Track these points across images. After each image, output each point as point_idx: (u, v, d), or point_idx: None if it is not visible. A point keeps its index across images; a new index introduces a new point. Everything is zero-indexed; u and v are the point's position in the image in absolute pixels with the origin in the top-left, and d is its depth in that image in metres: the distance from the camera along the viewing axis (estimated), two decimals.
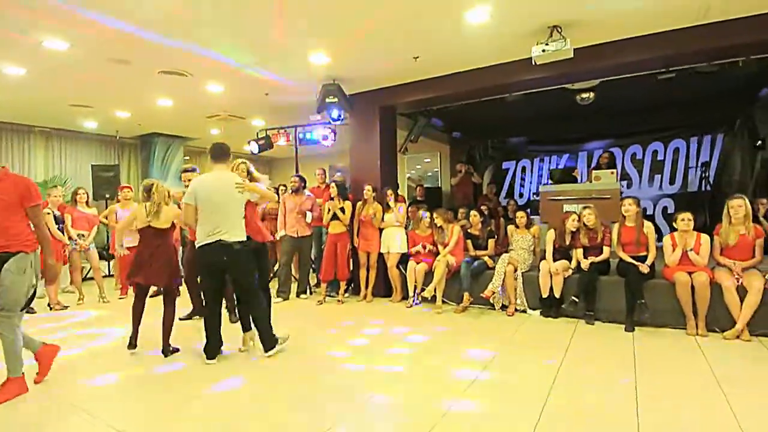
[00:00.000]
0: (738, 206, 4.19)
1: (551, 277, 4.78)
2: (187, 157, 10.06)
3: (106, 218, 6.63)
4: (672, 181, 7.68)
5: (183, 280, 4.36)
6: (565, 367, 3.31)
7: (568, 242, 4.87)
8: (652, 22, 4.00)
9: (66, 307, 5.72)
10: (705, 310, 4.10)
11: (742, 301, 3.95)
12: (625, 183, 8.01)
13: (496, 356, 3.60)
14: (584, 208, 4.84)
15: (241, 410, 2.69)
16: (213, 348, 3.52)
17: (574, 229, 4.83)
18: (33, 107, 6.84)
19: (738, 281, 4.06)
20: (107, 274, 7.62)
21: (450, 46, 4.56)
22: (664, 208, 7.65)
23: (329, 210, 5.62)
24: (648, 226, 4.65)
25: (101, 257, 7.86)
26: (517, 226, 5.45)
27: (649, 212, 7.64)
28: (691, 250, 4.31)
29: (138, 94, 6.15)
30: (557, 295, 4.76)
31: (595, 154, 8.01)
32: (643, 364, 3.34)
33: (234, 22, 4.00)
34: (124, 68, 5.07)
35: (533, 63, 4.23)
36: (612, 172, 5.91)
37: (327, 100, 5.35)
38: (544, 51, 4.05)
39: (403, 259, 5.69)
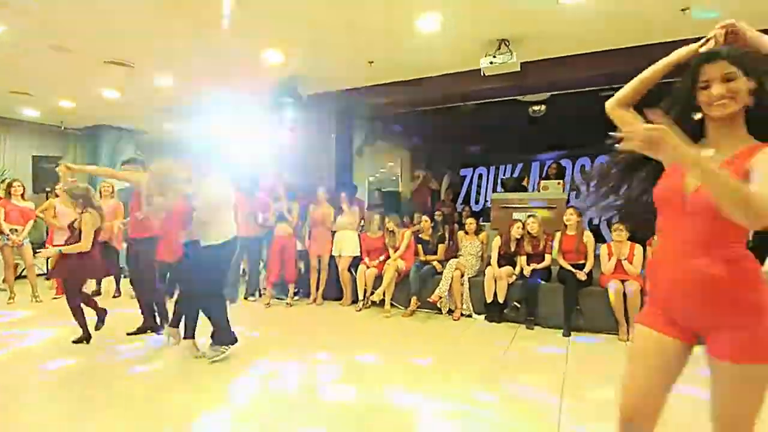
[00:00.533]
0: None
1: (496, 282, 4.90)
2: (139, 151, 9.67)
3: (44, 213, 6.27)
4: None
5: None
6: (494, 371, 3.40)
7: (513, 249, 5.00)
8: (594, 41, 4.19)
9: None
10: (634, 318, 4.30)
11: None
12: (574, 193, 8.33)
13: (434, 359, 3.65)
14: (528, 216, 5.00)
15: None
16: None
17: (518, 237, 4.97)
18: None
19: None
20: (44, 272, 7.19)
21: (404, 53, 4.61)
22: (609, 218, 7.98)
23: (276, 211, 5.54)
24: (587, 235, 4.85)
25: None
26: (466, 232, 5.56)
27: (596, 222, 7.97)
28: (625, 259, 4.53)
29: (82, 83, 5.87)
30: (501, 300, 4.88)
31: (547, 164, 8.29)
32: (572, 368, 3.48)
33: (182, 13, 3.89)
34: (66, 56, 4.83)
35: (482, 74, 4.35)
36: (559, 183, 6.13)
37: (281, 99, 5.28)
38: (492, 63, 4.17)
39: (356, 263, 5.68)
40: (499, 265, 4.99)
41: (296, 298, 5.86)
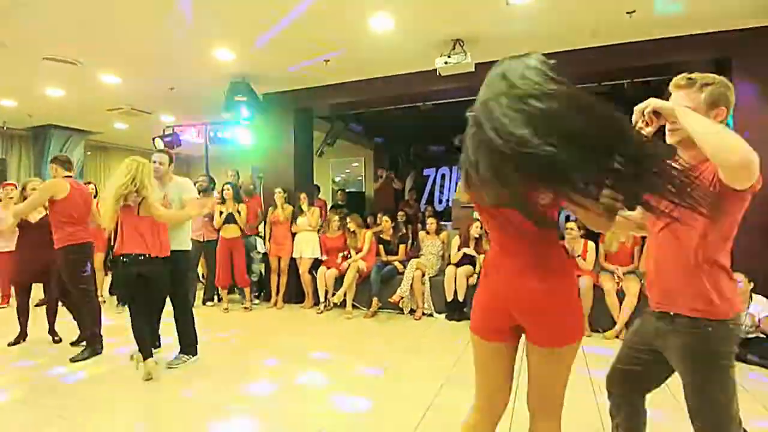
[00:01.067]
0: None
1: (455, 281, 4.92)
2: (89, 153, 9.25)
3: None
4: None
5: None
6: (456, 369, 3.40)
7: (472, 248, 5.04)
8: (546, 42, 4.26)
9: None
10: (588, 311, 4.42)
11: (621, 303, 4.32)
12: None
13: (393, 360, 3.63)
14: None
15: None
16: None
17: (477, 236, 5.02)
18: None
19: (618, 285, 4.44)
20: None
21: (358, 52, 4.56)
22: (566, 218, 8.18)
23: (221, 213, 5.37)
24: None
25: None
26: (427, 232, 5.57)
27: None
28: (578, 255, 4.65)
29: (20, 81, 5.53)
30: (461, 299, 4.92)
31: None
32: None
33: (127, 9, 3.71)
34: (1, 51, 4.53)
35: (438, 74, 4.35)
36: None
37: (235, 98, 5.14)
38: (446, 63, 4.18)
39: (317, 265, 5.59)
40: (459, 265, 5.02)
41: (256, 302, 5.72)
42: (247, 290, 5.53)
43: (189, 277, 3.80)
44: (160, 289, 3.35)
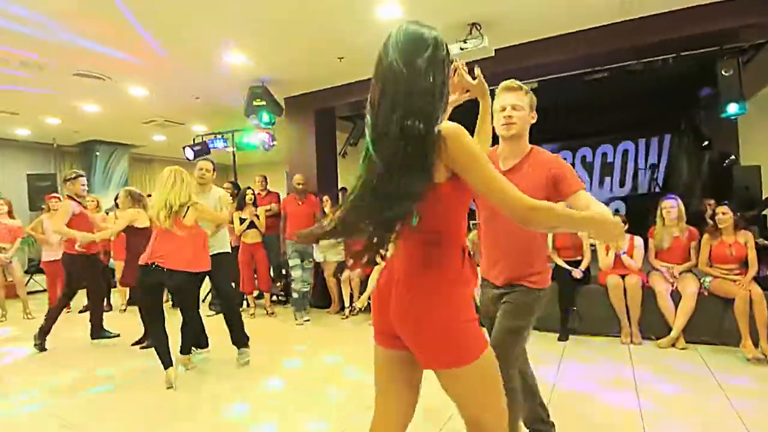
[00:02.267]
0: (670, 207, 4.06)
1: None
2: (133, 165, 9.70)
3: (33, 230, 6.23)
4: (622, 184, 7.61)
5: None
6: None
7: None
8: (571, 21, 3.86)
9: None
10: (638, 316, 3.93)
11: (677, 306, 3.81)
12: None
13: None
14: None
15: None
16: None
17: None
18: None
19: (673, 285, 3.92)
20: (44, 288, 7.17)
21: (370, 45, 4.34)
22: (615, 211, 7.56)
23: (242, 219, 5.25)
24: None
25: (34, 271, 7.45)
26: None
27: None
28: (624, 253, 4.17)
29: (58, 98, 5.81)
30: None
31: None
32: (565, 375, 3.15)
33: (146, 22, 3.75)
34: (37, 72, 4.76)
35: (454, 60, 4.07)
36: None
37: (254, 103, 5.10)
38: (462, 49, 3.89)
39: (342, 268, 5.43)
40: None
41: (307, 318, 5.57)
42: (267, 295, 5.47)
43: (230, 277, 3.86)
44: (184, 298, 3.35)
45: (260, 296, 5.86)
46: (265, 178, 6.60)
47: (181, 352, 3.45)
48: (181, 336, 3.43)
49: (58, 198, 6.09)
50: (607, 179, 7.75)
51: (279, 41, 4.26)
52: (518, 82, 1.86)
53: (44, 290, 6.36)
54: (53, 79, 5.02)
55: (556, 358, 3.57)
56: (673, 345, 3.72)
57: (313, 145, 5.76)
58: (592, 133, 7.62)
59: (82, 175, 4.48)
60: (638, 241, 4.20)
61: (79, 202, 4.50)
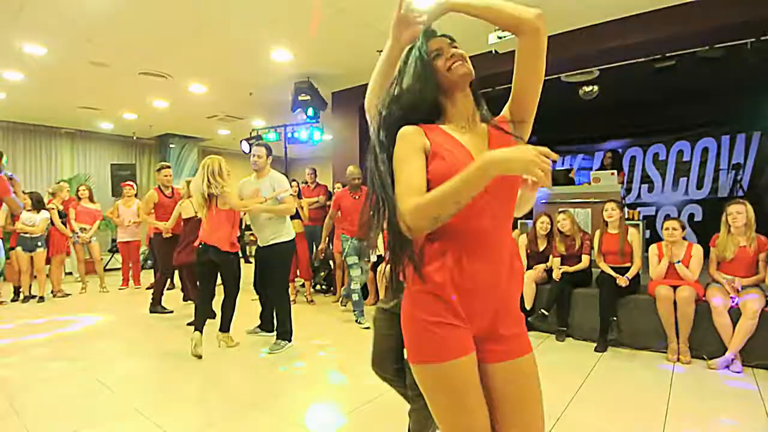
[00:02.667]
0: (737, 213, 3.59)
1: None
2: (199, 158, 10.42)
3: (110, 214, 6.95)
4: (700, 185, 6.81)
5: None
6: None
7: (541, 248, 4.43)
8: (619, 3, 3.52)
9: (67, 295, 6.09)
10: (688, 331, 3.53)
11: (735, 324, 3.37)
12: (645, 187, 7.25)
13: None
14: (560, 212, 4.38)
15: None
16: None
17: (544, 233, 4.39)
18: (47, 109, 7.33)
19: (733, 301, 3.47)
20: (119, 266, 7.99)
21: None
22: (691, 215, 6.79)
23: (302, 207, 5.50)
24: (633, 233, 4.12)
25: (116, 250, 8.33)
26: None
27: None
28: (678, 262, 3.75)
29: (131, 95, 6.40)
30: (528, 306, 4.34)
31: (599, 154, 7.30)
32: (590, 388, 2.92)
33: (195, 21, 4.02)
34: (106, 71, 5.28)
35: (493, 53, 3.89)
36: (612, 173, 5.32)
37: (300, 98, 5.26)
38: (500, 38, 3.71)
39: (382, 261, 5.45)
40: (528, 267, 4.45)
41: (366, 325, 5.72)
42: (308, 284, 5.64)
43: (287, 268, 3.89)
44: (227, 277, 3.64)
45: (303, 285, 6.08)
46: (315, 171, 6.80)
47: (221, 330, 3.71)
48: (221, 313, 3.68)
49: (131, 185, 6.75)
50: (683, 180, 6.98)
51: (322, 37, 4.35)
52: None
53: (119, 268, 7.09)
54: (122, 77, 5.53)
55: (585, 369, 3.32)
56: (727, 367, 3.30)
57: (357, 138, 5.83)
58: (665, 128, 6.91)
59: (165, 167, 5.00)
60: (697, 249, 3.76)
61: (162, 192, 5.05)
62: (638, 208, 6.59)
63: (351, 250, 4.97)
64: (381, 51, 4.49)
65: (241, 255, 3.93)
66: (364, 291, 5.65)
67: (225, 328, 3.71)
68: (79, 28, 4.16)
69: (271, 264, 3.77)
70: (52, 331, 4.30)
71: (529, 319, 4.24)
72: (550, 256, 4.43)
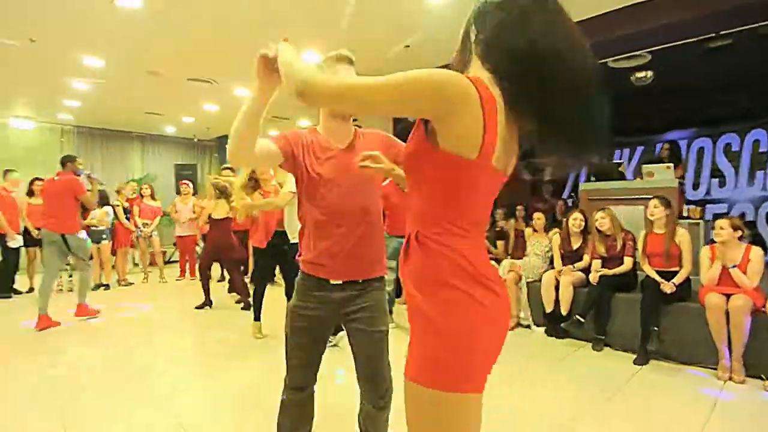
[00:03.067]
0: None
1: (557, 289, 4.11)
2: None
3: (169, 210, 7.51)
4: None
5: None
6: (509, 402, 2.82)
7: (575, 246, 4.15)
8: None
9: (131, 284, 6.69)
10: (742, 346, 3.13)
11: None
12: (716, 181, 6.51)
13: None
14: (599, 210, 4.06)
15: None
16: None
17: (578, 230, 4.10)
18: (119, 115, 8.04)
19: None
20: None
21: (431, 31, 4.20)
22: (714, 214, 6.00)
23: None
24: (682, 234, 3.72)
25: (174, 244, 8.99)
26: (534, 229, 4.81)
27: (749, 218, 6.06)
28: (734, 266, 3.33)
29: (185, 101, 6.84)
30: (564, 311, 4.07)
31: (680, 145, 6.60)
32: (616, 405, 2.69)
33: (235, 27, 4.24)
34: (159, 79, 5.69)
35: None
36: (668, 167, 4.82)
37: None
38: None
39: None
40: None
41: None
42: None
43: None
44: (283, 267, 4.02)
45: None
46: None
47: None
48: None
49: (186, 184, 7.24)
50: (760, 174, 6.16)
51: (347, 35, 4.36)
52: (349, 56, 1.60)
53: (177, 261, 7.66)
54: (174, 84, 5.93)
55: (618, 383, 3.06)
56: None
57: (390, 133, 5.80)
58: (739, 116, 6.13)
59: (226, 168, 5.35)
60: (756, 252, 3.31)
61: None
62: (707, 206, 5.91)
63: (392, 253, 4.66)
64: (408, 46, 4.40)
65: None
66: (399, 288, 5.62)
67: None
68: (132, 40, 4.52)
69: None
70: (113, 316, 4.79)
71: (563, 325, 3.99)
72: (585, 255, 4.14)
